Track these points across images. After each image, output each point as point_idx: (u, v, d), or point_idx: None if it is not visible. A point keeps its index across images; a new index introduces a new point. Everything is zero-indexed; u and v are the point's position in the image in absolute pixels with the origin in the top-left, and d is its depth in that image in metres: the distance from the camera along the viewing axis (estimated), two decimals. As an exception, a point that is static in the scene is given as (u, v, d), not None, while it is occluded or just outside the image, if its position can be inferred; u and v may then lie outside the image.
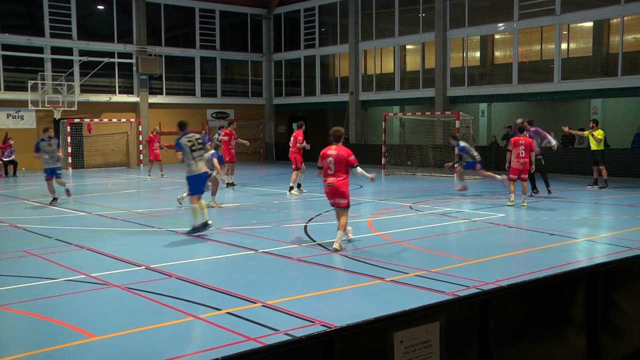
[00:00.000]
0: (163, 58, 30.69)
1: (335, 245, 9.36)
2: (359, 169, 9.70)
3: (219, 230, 11.27)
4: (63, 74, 27.96)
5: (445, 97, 26.57)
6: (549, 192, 15.78)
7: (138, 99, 30.32)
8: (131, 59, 30.00)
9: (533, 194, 15.95)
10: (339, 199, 9.61)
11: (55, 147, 15.54)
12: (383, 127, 25.42)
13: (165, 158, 24.80)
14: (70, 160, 27.87)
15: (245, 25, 34.14)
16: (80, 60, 28.55)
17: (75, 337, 5.71)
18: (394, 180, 21.52)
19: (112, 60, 29.32)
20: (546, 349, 3.64)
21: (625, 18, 21.64)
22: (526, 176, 14.50)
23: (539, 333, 3.61)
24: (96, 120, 28.74)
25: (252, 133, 33.48)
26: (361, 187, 18.88)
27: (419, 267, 8.24)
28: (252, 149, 33.05)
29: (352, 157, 9.59)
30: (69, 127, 27.85)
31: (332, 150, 9.62)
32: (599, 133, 17.27)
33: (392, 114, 28.24)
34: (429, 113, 25.94)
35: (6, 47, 26.94)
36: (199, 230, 10.69)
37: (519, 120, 16.28)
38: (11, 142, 24.85)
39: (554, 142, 16.44)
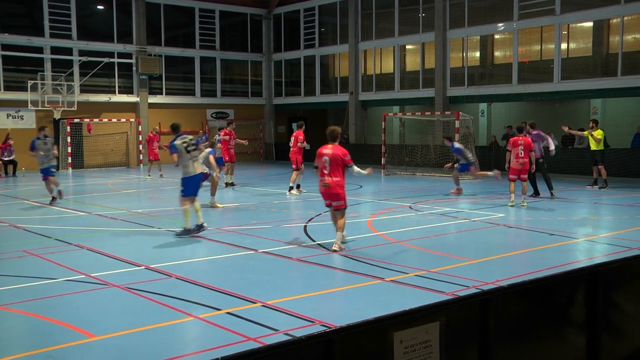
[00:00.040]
0: (163, 58, 30.69)
1: (335, 247, 9.35)
2: (355, 168, 9.62)
3: (218, 230, 11.27)
4: (63, 74, 27.96)
5: (445, 97, 26.57)
6: (552, 195, 15.55)
7: (138, 99, 30.32)
8: (131, 59, 30.00)
9: (535, 196, 15.73)
10: (334, 202, 9.53)
11: (51, 146, 15.57)
12: (383, 127, 25.42)
13: (165, 158, 24.74)
14: (70, 160, 27.88)
15: (245, 25, 34.14)
16: (80, 60, 28.55)
17: (75, 337, 5.71)
18: (393, 180, 21.52)
19: (111, 60, 29.32)
20: (546, 349, 3.64)
21: (625, 18, 21.64)
22: (526, 176, 14.48)
23: (539, 333, 3.61)
24: (96, 120, 28.73)
25: (251, 133, 33.49)
26: (361, 187, 18.89)
27: (418, 267, 8.24)
28: (251, 149, 33.08)
29: (348, 157, 9.47)
30: (68, 127, 27.85)
31: (327, 150, 9.53)
32: (598, 133, 17.27)
33: (391, 114, 28.25)
34: (429, 113, 25.95)
35: (6, 47, 26.94)
36: (190, 232, 10.63)
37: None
38: (11, 142, 24.85)
39: (552, 147, 16.18)
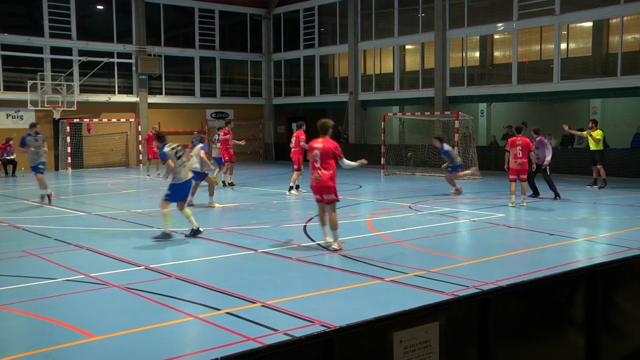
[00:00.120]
0: (162, 58, 30.68)
1: (335, 246, 9.34)
2: (345, 161, 9.56)
3: (218, 230, 11.27)
4: (62, 74, 27.95)
5: (445, 97, 26.57)
6: (556, 199, 15.11)
7: (137, 99, 30.32)
8: (130, 59, 29.99)
9: (534, 196, 15.66)
10: (326, 195, 9.41)
11: (41, 142, 15.53)
12: (382, 127, 25.42)
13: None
14: (69, 160, 27.87)
15: (245, 25, 34.14)
16: (79, 60, 28.55)
17: (75, 337, 5.71)
18: (393, 180, 21.53)
19: (111, 60, 29.30)
20: (546, 349, 3.64)
21: (625, 18, 21.65)
22: (525, 176, 14.47)
23: (539, 333, 3.61)
24: (95, 120, 28.73)
25: (251, 133, 33.51)
26: (360, 187, 18.89)
27: (418, 267, 8.24)
28: (251, 149, 33.08)
29: (339, 150, 9.41)
30: (68, 127, 27.84)
31: (317, 143, 9.45)
32: (597, 133, 17.28)
33: (391, 114, 28.25)
34: (429, 113, 25.94)
35: (6, 47, 26.92)
36: (169, 237, 10.39)
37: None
38: (11, 142, 24.83)
39: (548, 158, 15.41)
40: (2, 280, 7.81)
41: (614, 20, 22.17)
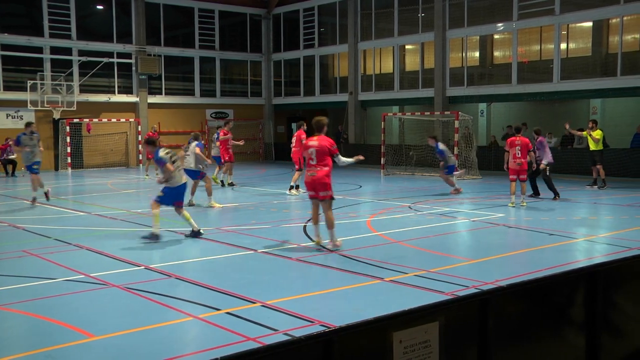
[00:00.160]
0: (162, 58, 30.67)
1: (330, 245, 9.33)
2: (341, 158, 9.58)
3: (218, 230, 11.27)
4: (62, 74, 27.95)
5: (445, 97, 26.57)
6: (555, 198, 15.14)
7: (137, 99, 30.31)
8: (130, 59, 29.99)
9: (534, 196, 15.66)
10: (321, 192, 9.34)
11: (36, 142, 15.50)
12: (382, 127, 25.42)
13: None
14: (69, 160, 27.86)
15: (245, 25, 34.13)
16: (79, 60, 28.54)
17: (75, 337, 5.71)
18: (393, 180, 21.52)
19: (111, 60, 29.30)
20: (545, 349, 3.64)
21: (625, 18, 21.65)
22: (525, 176, 14.47)
23: (539, 333, 3.61)
24: (95, 120, 28.73)
25: (251, 133, 33.51)
26: (360, 187, 18.88)
27: (418, 267, 8.24)
28: (251, 149, 33.08)
29: (334, 147, 9.42)
30: (68, 127, 27.83)
31: (313, 141, 9.46)
32: (597, 133, 17.28)
33: (391, 114, 28.25)
34: (429, 113, 25.94)
35: (6, 47, 26.92)
36: (158, 238, 10.33)
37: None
38: (11, 142, 24.83)
39: (545, 162, 15.31)
40: (2, 280, 7.81)
41: (613, 20, 22.17)
